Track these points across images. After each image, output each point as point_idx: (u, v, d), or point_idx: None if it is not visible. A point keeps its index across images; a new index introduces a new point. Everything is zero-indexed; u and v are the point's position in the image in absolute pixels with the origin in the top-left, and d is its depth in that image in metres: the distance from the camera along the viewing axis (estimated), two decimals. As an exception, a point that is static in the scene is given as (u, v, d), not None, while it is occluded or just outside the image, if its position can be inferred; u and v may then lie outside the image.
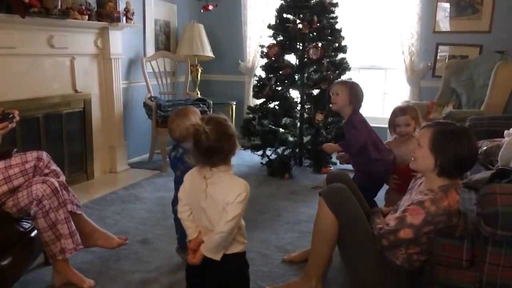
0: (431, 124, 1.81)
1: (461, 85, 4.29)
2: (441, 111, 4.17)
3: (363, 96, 2.59)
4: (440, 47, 4.78)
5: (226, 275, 1.60)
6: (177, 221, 2.39)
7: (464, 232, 1.73)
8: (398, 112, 2.61)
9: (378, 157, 2.53)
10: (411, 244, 1.80)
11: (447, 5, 4.69)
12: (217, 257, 1.54)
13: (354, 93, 2.55)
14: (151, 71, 4.65)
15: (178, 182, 2.31)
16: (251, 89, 4.88)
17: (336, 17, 4.18)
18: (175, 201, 2.36)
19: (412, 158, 1.84)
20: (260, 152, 4.30)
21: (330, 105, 2.69)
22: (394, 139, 2.71)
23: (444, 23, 4.74)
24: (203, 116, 1.56)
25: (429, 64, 4.82)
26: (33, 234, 2.10)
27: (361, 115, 2.60)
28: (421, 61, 4.82)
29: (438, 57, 4.80)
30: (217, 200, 1.52)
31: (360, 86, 2.59)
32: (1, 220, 2.00)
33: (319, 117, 4.06)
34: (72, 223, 2.12)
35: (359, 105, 2.59)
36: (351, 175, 2.43)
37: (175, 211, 2.38)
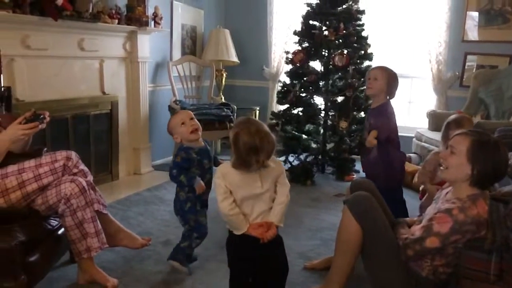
0: (467, 133, 1.77)
1: (489, 96, 4.21)
2: (468, 122, 4.09)
3: (398, 86, 2.58)
4: (468, 57, 4.71)
5: (281, 242, 1.85)
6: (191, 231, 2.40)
7: (493, 245, 1.69)
8: (453, 124, 2.46)
9: (398, 154, 2.60)
10: (437, 255, 1.77)
11: (476, 14, 4.61)
12: (282, 223, 1.81)
13: (393, 81, 2.55)
14: (177, 75, 4.71)
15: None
16: (275, 95, 4.89)
17: (362, 25, 4.16)
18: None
19: (442, 168, 1.80)
20: (282, 158, 4.29)
21: (365, 88, 2.67)
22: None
23: (472, 32, 4.67)
24: (253, 128, 1.67)
25: (457, 74, 4.74)
26: (60, 232, 2.15)
27: (392, 106, 2.58)
28: (449, 70, 4.75)
29: (466, 67, 4.72)
30: (272, 177, 1.77)
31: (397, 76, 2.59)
32: (30, 217, 2.05)
33: (343, 124, 4.03)
34: (98, 222, 2.16)
35: (394, 95, 2.58)
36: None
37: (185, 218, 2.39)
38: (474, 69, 4.63)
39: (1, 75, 2.57)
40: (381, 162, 2.62)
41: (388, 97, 2.59)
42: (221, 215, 1.77)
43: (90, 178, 2.28)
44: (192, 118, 2.32)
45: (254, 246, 1.74)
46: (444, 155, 1.80)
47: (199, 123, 2.34)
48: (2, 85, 2.57)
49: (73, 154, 2.23)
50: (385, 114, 2.56)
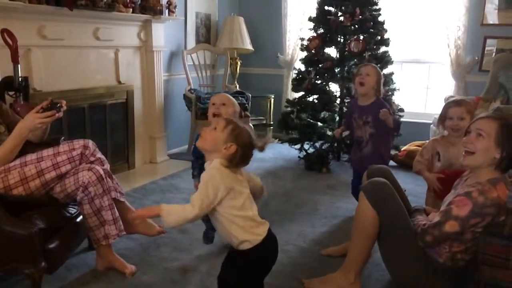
0: (493, 116, 1.73)
1: (510, 80, 4.11)
2: (488, 107, 4.01)
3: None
4: (488, 41, 4.60)
5: None
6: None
7: (513, 231, 1.66)
8: (452, 103, 2.38)
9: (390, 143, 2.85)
10: (455, 241, 1.74)
11: (496, -4, 4.50)
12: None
13: (381, 78, 2.66)
14: (191, 63, 4.71)
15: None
16: (290, 83, 4.86)
17: (379, 9, 4.08)
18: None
19: (464, 153, 1.74)
20: (298, 146, 4.28)
21: (354, 85, 2.73)
22: (442, 138, 2.42)
23: (492, 16, 4.55)
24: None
25: (476, 58, 4.64)
26: (78, 219, 2.18)
27: None
28: (468, 55, 4.65)
29: (485, 51, 4.61)
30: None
31: None
32: (49, 205, 2.09)
33: (359, 111, 3.99)
34: (116, 209, 2.19)
35: (380, 93, 2.68)
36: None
37: None
38: (494, 53, 4.52)
39: (19, 65, 2.60)
40: (378, 156, 2.69)
41: (377, 93, 2.66)
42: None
43: (107, 166, 2.30)
44: (224, 104, 2.25)
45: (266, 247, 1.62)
46: (470, 139, 1.72)
47: (229, 113, 2.22)
48: (20, 75, 2.60)
49: (90, 143, 2.26)
50: (386, 106, 2.60)
